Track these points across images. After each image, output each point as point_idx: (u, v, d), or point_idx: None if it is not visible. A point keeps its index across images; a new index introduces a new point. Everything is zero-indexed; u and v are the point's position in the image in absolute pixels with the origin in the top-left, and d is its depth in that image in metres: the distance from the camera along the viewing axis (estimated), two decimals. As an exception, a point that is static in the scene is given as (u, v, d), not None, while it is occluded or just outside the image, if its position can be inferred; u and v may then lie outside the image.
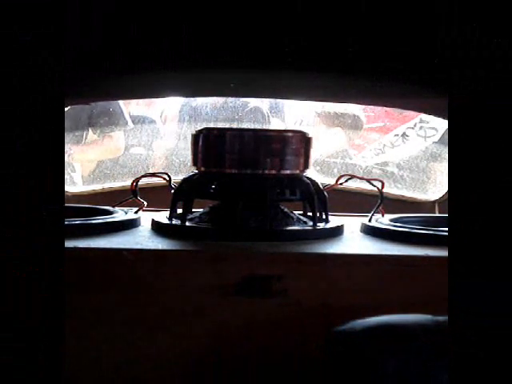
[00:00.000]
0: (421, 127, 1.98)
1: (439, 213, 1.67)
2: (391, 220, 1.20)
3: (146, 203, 1.25)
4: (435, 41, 0.89)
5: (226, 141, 1.13)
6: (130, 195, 1.26)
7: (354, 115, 2.11)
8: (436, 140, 1.94)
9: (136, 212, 1.23)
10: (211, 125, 1.95)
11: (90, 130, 1.96)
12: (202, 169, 1.16)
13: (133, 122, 1.99)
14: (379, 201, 1.22)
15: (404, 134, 2.02)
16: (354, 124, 2.10)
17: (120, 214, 1.19)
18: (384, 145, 2.05)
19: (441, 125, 1.90)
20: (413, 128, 2.00)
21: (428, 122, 1.96)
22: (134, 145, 1.99)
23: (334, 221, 1.18)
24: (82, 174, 1.95)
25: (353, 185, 1.66)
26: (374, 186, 1.25)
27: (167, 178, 1.24)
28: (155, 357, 0.96)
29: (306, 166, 1.16)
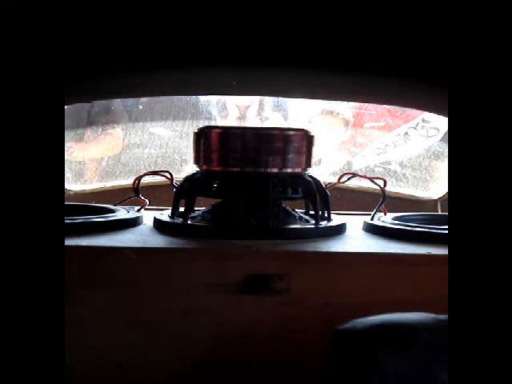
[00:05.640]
0: (423, 127, 1.98)
1: (441, 211, 1.67)
2: (393, 218, 1.20)
3: (148, 201, 1.25)
4: (435, 36, 0.89)
5: (228, 139, 1.13)
6: (132, 194, 1.26)
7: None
8: (438, 140, 1.94)
9: (138, 210, 1.23)
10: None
11: (89, 128, 1.96)
12: (204, 167, 1.15)
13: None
14: (381, 199, 1.22)
15: (406, 134, 2.01)
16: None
17: (122, 213, 1.19)
18: (386, 144, 2.05)
19: (443, 125, 1.90)
20: (415, 128, 2.00)
21: (430, 122, 1.96)
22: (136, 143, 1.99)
23: (337, 219, 1.17)
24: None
25: (355, 183, 1.65)
26: (377, 184, 1.25)
27: (169, 176, 1.24)
28: (158, 355, 0.96)
29: (309, 165, 1.16)
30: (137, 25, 0.93)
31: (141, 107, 2.01)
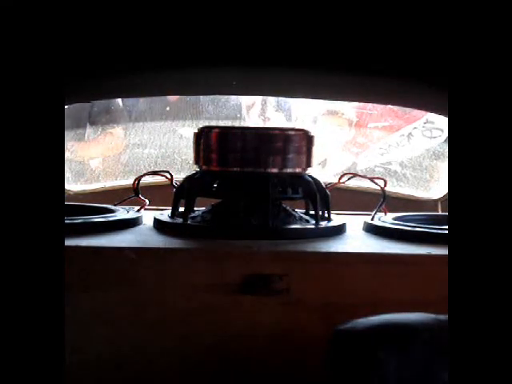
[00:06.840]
0: (423, 126, 1.98)
1: (441, 211, 1.67)
2: (394, 218, 1.20)
3: (147, 201, 1.25)
4: (435, 36, 0.89)
5: (228, 139, 1.13)
6: (132, 194, 1.26)
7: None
8: (442, 141, 1.94)
9: (138, 210, 1.23)
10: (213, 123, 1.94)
11: (90, 128, 1.96)
12: (204, 167, 1.15)
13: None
14: (381, 199, 1.22)
15: (410, 135, 2.01)
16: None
17: (122, 213, 1.19)
18: (389, 145, 2.05)
19: (447, 126, 1.90)
20: (418, 128, 1.99)
21: (434, 123, 1.96)
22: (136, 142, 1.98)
23: (337, 219, 1.17)
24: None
25: (355, 183, 1.65)
26: (377, 184, 1.25)
27: (169, 177, 1.24)
28: (158, 355, 0.96)
29: (309, 165, 1.16)
30: (137, 25, 0.93)
31: (168, 108, 1.99)
